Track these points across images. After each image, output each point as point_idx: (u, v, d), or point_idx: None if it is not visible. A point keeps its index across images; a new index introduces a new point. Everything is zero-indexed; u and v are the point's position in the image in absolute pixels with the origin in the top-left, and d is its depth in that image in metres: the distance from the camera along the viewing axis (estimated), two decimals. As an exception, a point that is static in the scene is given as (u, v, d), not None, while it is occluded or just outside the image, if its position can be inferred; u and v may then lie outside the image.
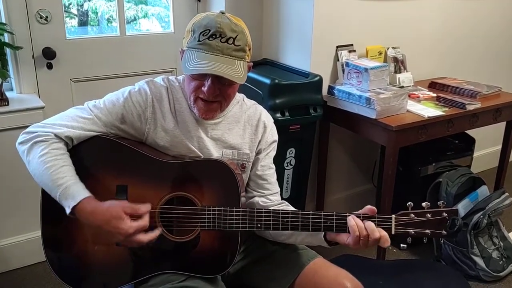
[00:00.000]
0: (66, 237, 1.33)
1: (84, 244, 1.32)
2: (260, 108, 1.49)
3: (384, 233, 1.24)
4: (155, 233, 1.25)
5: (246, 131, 1.44)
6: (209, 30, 1.22)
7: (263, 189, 1.45)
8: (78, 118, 1.30)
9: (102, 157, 1.32)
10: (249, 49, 1.31)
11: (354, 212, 1.29)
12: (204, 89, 1.27)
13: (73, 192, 1.22)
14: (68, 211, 1.22)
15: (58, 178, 1.23)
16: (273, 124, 1.50)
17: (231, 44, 1.24)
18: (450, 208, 1.27)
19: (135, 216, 1.22)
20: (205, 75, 1.25)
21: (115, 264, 1.33)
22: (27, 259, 2.33)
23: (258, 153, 1.46)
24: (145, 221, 1.23)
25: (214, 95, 1.28)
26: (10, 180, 2.20)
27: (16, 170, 2.14)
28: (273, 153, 1.50)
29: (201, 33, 1.23)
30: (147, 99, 1.33)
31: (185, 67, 1.25)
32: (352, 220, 1.24)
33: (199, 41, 1.24)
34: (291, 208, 1.45)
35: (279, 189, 1.50)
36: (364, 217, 1.26)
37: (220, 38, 1.22)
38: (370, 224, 1.24)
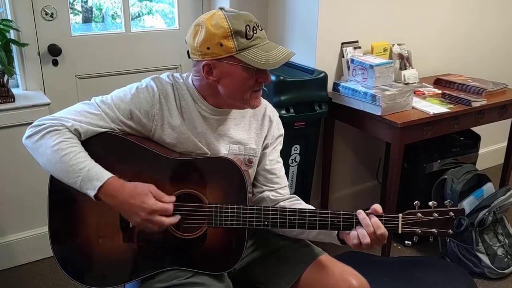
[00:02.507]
0: (73, 232, 1.33)
1: (92, 239, 1.33)
2: (265, 102, 1.49)
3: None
4: (176, 218, 1.25)
5: (252, 126, 1.44)
6: (249, 25, 1.25)
7: (272, 183, 1.46)
8: (85, 113, 1.30)
9: (109, 153, 1.32)
10: None
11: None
12: (264, 79, 1.31)
13: (96, 173, 1.22)
14: (93, 193, 1.21)
15: (78, 162, 1.22)
16: (279, 118, 1.51)
17: (263, 29, 1.29)
18: (456, 208, 1.27)
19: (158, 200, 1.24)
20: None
21: (122, 260, 1.33)
22: (33, 255, 2.35)
23: (265, 147, 1.47)
24: (170, 206, 1.24)
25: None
26: (17, 176, 2.21)
27: (23, 166, 2.15)
28: (280, 147, 1.51)
29: (245, 31, 1.24)
30: (154, 96, 1.33)
31: (260, 64, 1.24)
32: (354, 230, 1.26)
33: (249, 38, 1.24)
34: (302, 203, 1.45)
35: (287, 183, 1.50)
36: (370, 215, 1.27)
37: (258, 28, 1.27)
38: (376, 221, 1.25)
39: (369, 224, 1.24)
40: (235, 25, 1.23)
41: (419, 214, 1.26)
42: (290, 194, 1.49)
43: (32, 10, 2.17)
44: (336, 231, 1.32)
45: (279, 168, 1.48)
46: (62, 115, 1.29)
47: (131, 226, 1.30)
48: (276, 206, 1.40)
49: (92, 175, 1.22)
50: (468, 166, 2.51)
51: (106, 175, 1.23)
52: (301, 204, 1.44)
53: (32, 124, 1.29)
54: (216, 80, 1.30)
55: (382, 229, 1.24)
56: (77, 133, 1.28)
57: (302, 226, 1.29)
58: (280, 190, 1.46)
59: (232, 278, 1.39)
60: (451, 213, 1.26)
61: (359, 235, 1.24)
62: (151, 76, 1.39)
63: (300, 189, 2.42)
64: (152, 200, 1.22)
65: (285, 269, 1.41)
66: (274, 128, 1.47)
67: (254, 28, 1.25)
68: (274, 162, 1.47)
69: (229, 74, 1.28)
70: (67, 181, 1.24)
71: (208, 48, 1.25)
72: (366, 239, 1.23)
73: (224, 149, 1.40)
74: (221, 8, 1.28)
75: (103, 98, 1.34)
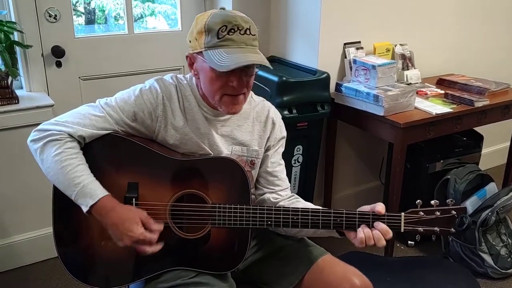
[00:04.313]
0: (78, 233, 1.34)
1: (96, 240, 1.33)
2: (268, 104, 1.49)
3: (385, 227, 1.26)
4: (158, 246, 1.26)
5: (255, 128, 1.45)
6: (226, 26, 1.23)
7: (273, 185, 1.46)
8: (90, 116, 1.31)
9: (113, 154, 1.33)
10: None
11: (363, 207, 1.29)
12: (233, 84, 1.27)
13: (90, 191, 1.24)
14: (85, 209, 1.23)
15: (75, 177, 1.24)
16: (281, 120, 1.51)
17: (249, 34, 1.26)
18: (459, 206, 1.27)
19: (146, 228, 1.25)
20: (232, 70, 1.24)
21: (127, 260, 1.34)
22: (38, 256, 2.36)
23: (267, 150, 1.47)
24: (155, 236, 1.25)
25: (243, 87, 1.29)
26: (21, 177, 2.22)
27: (27, 167, 2.16)
28: (282, 149, 1.51)
29: (219, 30, 1.23)
30: (158, 97, 1.34)
31: (216, 65, 1.22)
32: (362, 233, 1.26)
33: (219, 38, 1.23)
34: (302, 201, 1.46)
35: (289, 184, 1.51)
36: (373, 217, 1.27)
37: (239, 31, 1.24)
38: (384, 227, 1.26)
39: (381, 238, 1.25)
40: (211, 23, 1.24)
41: (421, 213, 1.27)
42: (291, 194, 1.49)
43: (35, 12, 2.18)
44: None
45: (281, 170, 1.49)
46: (67, 119, 1.30)
47: None
48: (276, 206, 1.40)
49: (86, 192, 1.23)
50: (471, 166, 2.51)
51: (100, 193, 1.24)
52: (300, 203, 1.45)
53: (37, 128, 1.31)
54: (196, 75, 1.33)
55: (390, 234, 1.25)
56: (81, 138, 1.29)
57: (305, 226, 1.30)
58: (281, 192, 1.47)
59: (235, 278, 1.40)
60: (453, 212, 1.26)
61: (366, 239, 1.25)
62: (155, 77, 1.40)
63: (303, 190, 2.42)
64: (140, 230, 1.23)
65: (288, 269, 1.41)
66: (277, 130, 1.48)
67: (233, 30, 1.23)
68: (276, 164, 1.48)
69: (202, 70, 1.30)
70: (64, 191, 1.27)
71: (190, 41, 1.30)
72: (371, 241, 1.25)
73: (226, 150, 1.40)
74: (222, 8, 1.30)
75: (107, 100, 1.35)
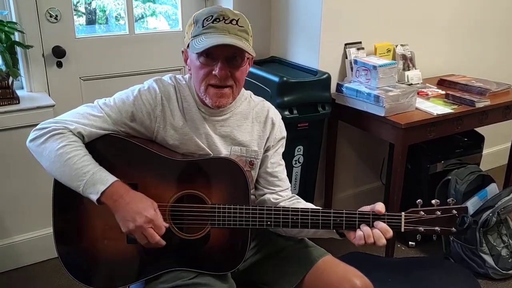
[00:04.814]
0: (78, 234, 1.34)
1: (96, 240, 1.33)
2: (268, 104, 1.49)
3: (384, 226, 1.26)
4: (163, 242, 1.26)
5: (254, 128, 1.44)
6: (212, 16, 1.26)
7: (274, 186, 1.46)
8: (88, 116, 1.31)
9: (112, 155, 1.33)
10: (251, 36, 1.32)
11: (363, 207, 1.29)
12: (215, 72, 1.27)
13: (101, 177, 1.23)
14: (96, 197, 1.21)
15: (83, 166, 1.23)
16: (281, 121, 1.50)
17: (235, 24, 1.27)
18: (459, 206, 1.27)
19: None
20: (215, 59, 1.26)
21: (126, 261, 1.34)
22: (39, 256, 2.36)
23: (266, 150, 1.47)
24: (164, 227, 1.25)
25: (226, 77, 1.28)
26: (21, 177, 2.22)
27: (27, 168, 2.16)
28: (282, 149, 1.51)
29: (204, 19, 1.26)
30: (156, 98, 1.34)
31: (194, 48, 1.26)
32: (360, 232, 1.26)
33: (204, 26, 1.26)
34: (302, 202, 1.46)
35: (289, 185, 1.50)
36: (373, 217, 1.27)
37: (224, 20, 1.25)
38: (384, 226, 1.25)
39: (381, 236, 1.25)
40: (199, 14, 1.29)
41: (422, 213, 1.27)
42: (292, 194, 1.49)
43: (36, 12, 2.18)
44: None
45: (281, 170, 1.49)
46: (66, 118, 1.30)
47: None
48: (277, 206, 1.40)
49: (96, 179, 1.23)
50: (472, 167, 2.51)
51: (110, 179, 1.24)
52: (301, 203, 1.45)
53: (36, 127, 1.30)
54: (190, 69, 1.35)
55: (390, 233, 1.25)
56: (80, 136, 1.29)
57: (304, 226, 1.29)
58: (281, 193, 1.46)
59: (235, 278, 1.40)
60: (454, 211, 1.26)
61: (365, 236, 1.25)
62: (153, 78, 1.40)
63: (304, 190, 2.42)
64: (154, 212, 1.23)
65: (289, 270, 1.41)
66: (277, 130, 1.47)
67: (217, 19, 1.26)
68: (276, 165, 1.47)
69: (191, 61, 1.33)
70: (70, 184, 1.25)
71: (184, 37, 1.34)
72: (370, 239, 1.25)
73: (225, 151, 1.40)
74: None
75: (106, 101, 1.35)
